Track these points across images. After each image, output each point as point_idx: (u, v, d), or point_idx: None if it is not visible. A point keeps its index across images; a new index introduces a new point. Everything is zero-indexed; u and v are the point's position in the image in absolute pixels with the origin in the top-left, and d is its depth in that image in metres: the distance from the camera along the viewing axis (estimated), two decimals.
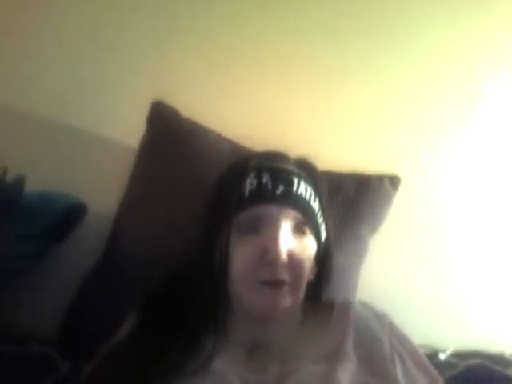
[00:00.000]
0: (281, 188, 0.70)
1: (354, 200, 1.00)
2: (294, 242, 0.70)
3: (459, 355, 1.01)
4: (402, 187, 1.06)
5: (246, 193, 0.71)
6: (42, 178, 0.94)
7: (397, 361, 0.70)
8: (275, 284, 0.68)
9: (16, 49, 1.11)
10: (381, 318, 0.77)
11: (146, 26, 1.13)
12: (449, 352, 1.02)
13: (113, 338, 0.72)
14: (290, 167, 0.75)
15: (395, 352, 0.71)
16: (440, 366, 0.80)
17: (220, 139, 1.01)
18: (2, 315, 0.86)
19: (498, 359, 1.01)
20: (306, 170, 0.77)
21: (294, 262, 0.69)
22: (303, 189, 0.72)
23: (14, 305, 0.91)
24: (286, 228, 0.69)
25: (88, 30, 1.12)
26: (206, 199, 0.78)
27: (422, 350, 0.76)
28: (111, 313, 0.77)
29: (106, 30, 1.13)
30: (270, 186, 0.70)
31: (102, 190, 1.01)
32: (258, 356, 0.70)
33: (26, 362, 0.85)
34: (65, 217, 0.93)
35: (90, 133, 1.08)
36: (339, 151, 1.11)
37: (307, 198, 0.73)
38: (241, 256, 0.69)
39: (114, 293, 0.89)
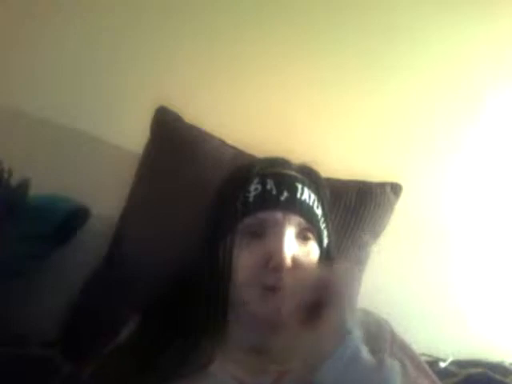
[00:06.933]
0: (285, 194, 0.71)
1: (355, 207, 1.00)
2: (297, 248, 0.70)
3: (459, 364, 1.02)
4: (403, 194, 1.06)
5: (251, 198, 0.71)
6: (46, 181, 0.95)
7: None
8: (279, 290, 0.68)
9: (19, 55, 1.12)
10: (382, 325, 0.77)
11: (150, 32, 1.14)
12: (449, 361, 1.02)
13: (114, 341, 0.72)
14: (293, 173, 0.75)
15: (396, 359, 0.71)
16: (440, 375, 0.80)
17: (223, 145, 1.02)
18: (2, 316, 0.86)
19: (498, 368, 1.01)
20: (309, 176, 0.77)
21: (297, 267, 0.69)
22: (307, 195, 0.73)
23: (15, 306, 0.91)
24: (290, 234, 0.69)
25: (92, 35, 1.13)
26: (210, 204, 0.78)
27: (422, 358, 0.76)
28: (112, 315, 0.77)
29: (109, 35, 1.13)
30: (274, 192, 0.71)
31: (105, 195, 1.02)
32: (259, 359, 0.70)
33: (25, 363, 0.84)
34: (67, 220, 0.94)
35: (94, 137, 1.09)
36: (341, 159, 1.11)
37: (311, 203, 0.73)
38: (245, 261, 0.69)
39: (115, 296, 0.89)
